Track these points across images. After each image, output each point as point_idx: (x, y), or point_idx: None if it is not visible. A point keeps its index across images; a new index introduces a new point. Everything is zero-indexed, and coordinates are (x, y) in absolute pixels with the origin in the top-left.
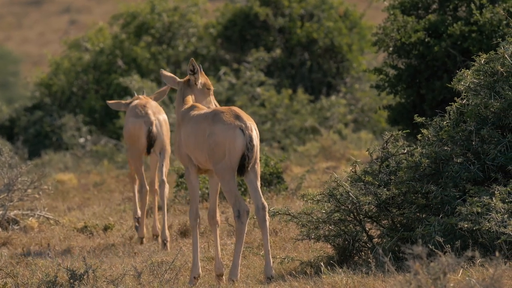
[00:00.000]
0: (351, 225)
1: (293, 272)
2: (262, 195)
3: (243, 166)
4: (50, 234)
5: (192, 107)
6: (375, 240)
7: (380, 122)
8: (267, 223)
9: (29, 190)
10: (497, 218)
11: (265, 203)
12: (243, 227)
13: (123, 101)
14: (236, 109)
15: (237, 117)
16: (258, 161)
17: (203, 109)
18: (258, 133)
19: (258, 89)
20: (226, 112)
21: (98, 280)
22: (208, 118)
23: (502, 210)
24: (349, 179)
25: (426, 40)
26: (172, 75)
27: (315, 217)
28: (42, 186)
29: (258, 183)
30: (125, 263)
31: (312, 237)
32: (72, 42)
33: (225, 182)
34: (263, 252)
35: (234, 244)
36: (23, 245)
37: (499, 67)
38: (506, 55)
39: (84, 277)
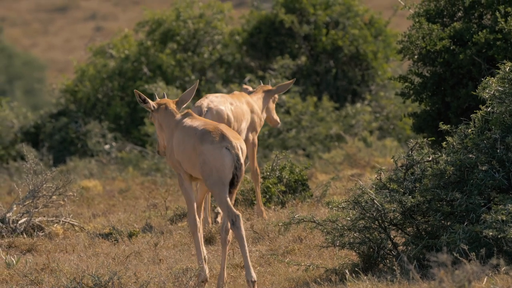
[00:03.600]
0: (376, 233)
1: (318, 279)
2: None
3: (232, 184)
4: (75, 240)
5: (187, 115)
6: (400, 247)
7: (405, 130)
8: (243, 231)
9: (54, 197)
10: None
11: (238, 212)
12: (240, 232)
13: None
14: (222, 127)
15: (223, 136)
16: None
17: (194, 120)
18: (245, 151)
19: (283, 97)
20: (213, 131)
21: (123, 287)
22: (196, 135)
23: None
24: (374, 186)
25: (451, 48)
26: None
27: (340, 225)
28: (67, 193)
29: (233, 196)
30: (150, 270)
31: (337, 244)
32: (97, 48)
33: (217, 194)
34: (288, 259)
35: (240, 249)
36: (48, 252)
37: None
38: None
39: (109, 284)
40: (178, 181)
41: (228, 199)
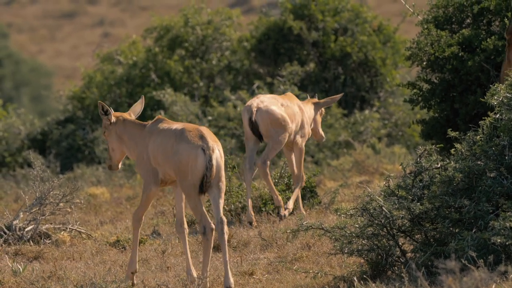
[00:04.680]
0: (384, 240)
1: (326, 286)
2: (221, 211)
3: (201, 185)
4: (82, 248)
5: (159, 120)
6: (408, 254)
7: (413, 137)
8: (225, 236)
9: (61, 204)
10: None
11: (224, 218)
12: (209, 243)
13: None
14: (203, 129)
15: (201, 137)
16: (223, 179)
17: (171, 123)
18: (222, 153)
19: None
20: (192, 131)
21: None
22: (176, 135)
23: None
24: (383, 193)
25: (460, 54)
26: None
27: (348, 232)
28: (74, 200)
29: (221, 201)
30: (157, 278)
31: (346, 251)
32: (105, 55)
33: (191, 199)
34: (296, 266)
35: (202, 258)
36: (55, 259)
37: None
38: None
39: None
40: (144, 187)
41: (202, 204)
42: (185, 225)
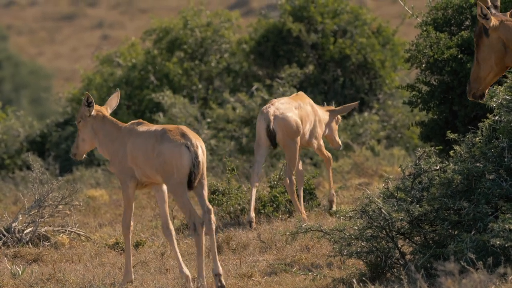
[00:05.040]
0: (383, 242)
1: None
2: (207, 201)
3: (190, 182)
4: (81, 250)
5: (139, 123)
6: (408, 256)
7: (412, 139)
8: (213, 225)
9: (60, 206)
10: None
11: (210, 207)
12: (200, 238)
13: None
14: (183, 127)
15: (183, 135)
16: (205, 175)
17: (150, 126)
18: (204, 150)
19: None
20: (173, 130)
21: None
22: (156, 136)
23: None
24: (382, 195)
25: (459, 56)
26: None
27: (347, 234)
28: (73, 202)
29: (205, 192)
30: (156, 280)
31: (345, 253)
32: (104, 57)
33: (178, 197)
34: (295, 268)
35: (196, 257)
36: (54, 262)
37: None
38: None
39: None
40: (123, 188)
41: (189, 201)
42: (171, 227)
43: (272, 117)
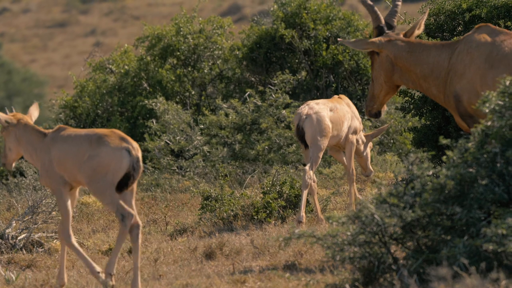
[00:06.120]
0: (376, 247)
1: None
2: (136, 213)
3: (125, 185)
4: (74, 256)
5: (62, 129)
6: (400, 262)
7: (405, 144)
8: (139, 241)
9: (54, 213)
10: None
11: (139, 222)
12: (126, 229)
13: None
14: (119, 131)
15: (123, 139)
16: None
17: (77, 130)
18: (141, 154)
19: (284, 111)
20: (110, 134)
21: None
22: (91, 140)
23: None
24: (374, 201)
25: None
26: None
27: (340, 239)
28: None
29: (133, 201)
30: (150, 286)
31: (337, 259)
32: (97, 64)
33: (106, 196)
34: (288, 274)
35: (116, 244)
36: (48, 268)
37: None
38: None
39: None
40: (57, 197)
41: (117, 197)
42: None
43: (304, 117)
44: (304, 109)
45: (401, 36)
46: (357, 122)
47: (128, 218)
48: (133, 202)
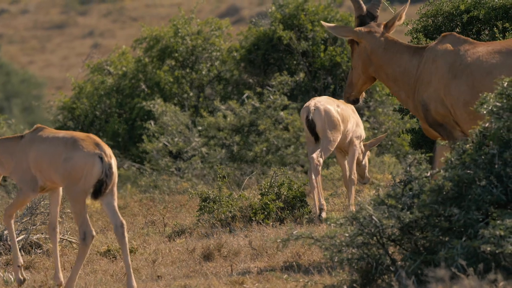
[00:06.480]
0: (374, 249)
1: None
2: (120, 215)
3: (99, 191)
4: (73, 258)
5: (40, 129)
6: (398, 263)
7: (403, 146)
8: (126, 239)
9: None
10: None
11: (123, 221)
12: (86, 249)
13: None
14: (94, 136)
15: (97, 145)
16: (116, 184)
17: (55, 132)
18: (115, 160)
19: (282, 113)
20: (85, 139)
21: None
22: (66, 143)
23: None
24: (372, 202)
25: None
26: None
27: (338, 241)
28: (65, 210)
29: (115, 203)
30: (148, 287)
31: (335, 260)
32: (95, 65)
33: (76, 204)
34: (286, 275)
35: (75, 262)
36: (46, 269)
37: None
38: None
39: None
40: (20, 195)
41: (85, 211)
42: (57, 229)
43: (313, 109)
44: (312, 102)
45: (382, 28)
46: (361, 129)
47: (89, 237)
48: (115, 204)
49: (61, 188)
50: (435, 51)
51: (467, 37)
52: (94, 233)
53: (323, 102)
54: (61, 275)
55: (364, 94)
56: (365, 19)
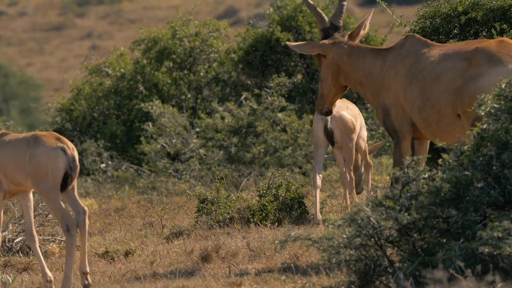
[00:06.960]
0: (372, 250)
1: None
2: (80, 201)
3: (65, 184)
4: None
5: (3, 134)
6: (396, 264)
7: None
8: (86, 226)
9: (50, 215)
10: None
11: (85, 208)
12: (73, 240)
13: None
14: (55, 133)
15: (58, 139)
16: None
17: (18, 134)
18: (77, 154)
19: (280, 115)
20: (47, 135)
21: None
22: (29, 141)
23: None
24: (370, 204)
25: None
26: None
27: (336, 242)
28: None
29: (76, 193)
30: None
31: (333, 262)
32: (93, 67)
33: (51, 200)
34: (284, 276)
35: (65, 258)
36: None
37: None
38: None
39: None
40: None
41: (62, 204)
42: (34, 233)
43: (329, 117)
44: None
45: (346, 37)
46: (365, 129)
47: (73, 228)
48: (76, 194)
49: (31, 193)
50: (397, 55)
51: (466, 38)
52: (76, 222)
53: (337, 108)
54: (48, 271)
55: (336, 104)
56: (329, 31)
